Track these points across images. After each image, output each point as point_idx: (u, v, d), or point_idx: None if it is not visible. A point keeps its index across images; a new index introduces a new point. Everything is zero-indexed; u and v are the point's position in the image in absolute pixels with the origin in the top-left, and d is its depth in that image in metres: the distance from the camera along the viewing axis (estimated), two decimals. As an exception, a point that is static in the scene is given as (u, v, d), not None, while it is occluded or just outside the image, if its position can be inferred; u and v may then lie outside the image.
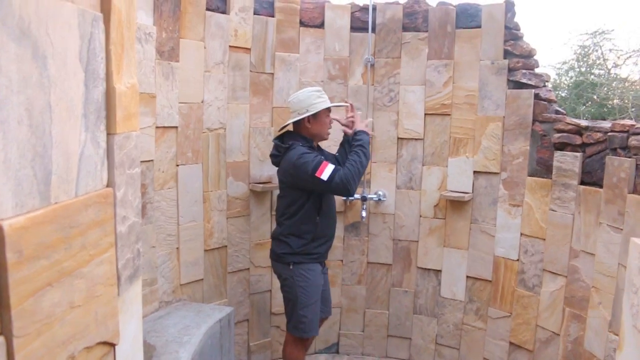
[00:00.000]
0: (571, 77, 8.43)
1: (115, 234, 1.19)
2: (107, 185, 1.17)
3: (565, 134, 3.15)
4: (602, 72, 8.38)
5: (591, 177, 3.02)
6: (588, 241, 2.99)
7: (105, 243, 1.14)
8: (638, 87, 8.08)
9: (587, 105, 7.81)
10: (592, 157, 3.02)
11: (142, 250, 1.34)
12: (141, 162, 2.83)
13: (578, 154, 3.07)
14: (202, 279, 3.37)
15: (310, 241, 3.03)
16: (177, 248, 3.18)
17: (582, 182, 3.08)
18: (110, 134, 1.16)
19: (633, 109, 7.27)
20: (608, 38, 8.30)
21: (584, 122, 3.08)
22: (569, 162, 3.11)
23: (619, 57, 8.31)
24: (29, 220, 0.87)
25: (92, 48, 1.07)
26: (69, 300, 1.00)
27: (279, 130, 3.22)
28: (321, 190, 2.96)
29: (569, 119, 3.17)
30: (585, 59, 8.55)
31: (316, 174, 2.82)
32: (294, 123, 3.08)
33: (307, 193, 2.98)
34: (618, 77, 8.23)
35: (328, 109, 3.09)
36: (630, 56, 8.16)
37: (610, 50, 8.37)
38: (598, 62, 8.48)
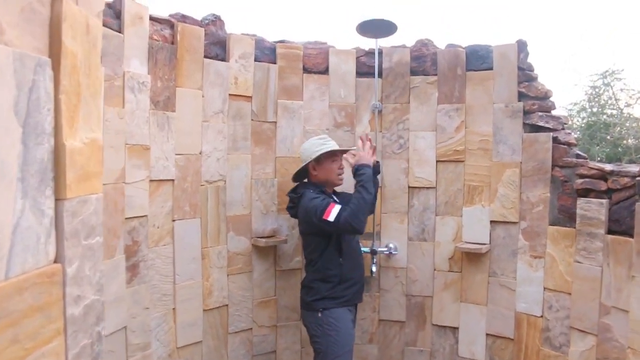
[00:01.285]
0: (583, 118, 8.27)
1: (65, 318, 0.99)
2: (55, 261, 0.97)
3: (588, 179, 2.93)
4: (614, 112, 8.22)
5: (620, 225, 2.78)
6: (620, 296, 2.73)
7: (49, 331, 0.93)
8: (652, 126, 7.90)
9: (600, 145, 7.63)
10: (620, 203, 2.79)
11: (104, 334, 1.14)
12: (134, 217, 2.69)
13: (604, 201, 2.85)
14: (200, 341, 3.13)
15: (337, 284, 2.99)
16: (174, 309, 2.97)
17: (609, 231, 2.83)
18: (59, 199, 0.97)
19: (648, 149, 7.06)
20: (618, 78, 8.20)
21: (608, 167, 2.86)
22: (594, 209, 2.88)
23: (631, 97, 8.18)
24: None
25: (34, 98, 0.89)
26: (-9, 413, 0.80)
27: (294, 182, 3.25)
28: (332, 232, 2.95)
29: (592, 164, 2.95)
30: (596, 99, 8.42)
31: (323, 217, 2.84)
32: (308, 174, 3.14)
33: (327, 237, 2.99)
34: (631, 116, 8.07)
35: (334, 156, 3.09)
36: (642, 95, 8.01)
37: (621, 89, 8.25)
38: (610, 102, 8.35)
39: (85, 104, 1.06)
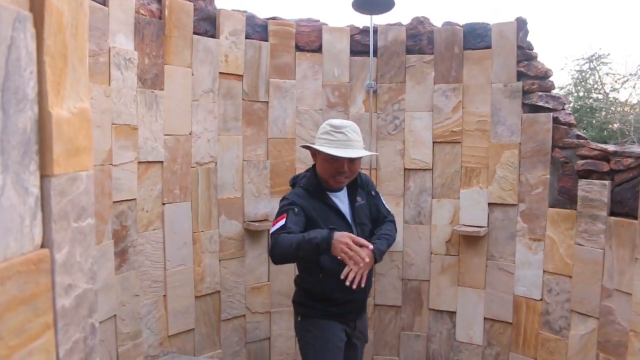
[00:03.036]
0: (570, 102, 8.26)
1: (55, 310, 0.88)
2: (42, 246, 0.86)
3: (590, 161, 2.87)
4: (600, 96, 8.23)
5: (622, 207, 2.73)
6: (623, 279, 2.68)
7: (36, 326, 0.82)
8: (638, 110, 7.93)
9: (587, 129, 7.63)
10: (623, 185, 2.73)
11: (97, 326, 1.03)
12: (122, 201, 2.57)
13: (606, 182, 2.79)
14: (192, 329, 3.04)
15: (317, 301, 2.40)
16: (164, 295, 2.87)
17: (612, 213, 2.78)
18: (45, 175, 0.85)
19: (634, 133, 7.07)
20: (604, 62, 8.20)
21: (611, 147, 2.80)
22: (595, 191, 2.82)
23: (616, 81, 8.20)
24: None
25: (13, 58, 0.77)
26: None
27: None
28: None
29: (593, 144, 2.89)
30: (583, 84, 8.42)
31: (273, 222, 2.26)
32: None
33: None
34: (617, 100, 8.09)
35: (332, 156, 2.24)
36: (627, 79, 8.03)
37: (607, 74, 8.26)
38: (596, 86, 8.35)
39: (72, 68, 0.94)
